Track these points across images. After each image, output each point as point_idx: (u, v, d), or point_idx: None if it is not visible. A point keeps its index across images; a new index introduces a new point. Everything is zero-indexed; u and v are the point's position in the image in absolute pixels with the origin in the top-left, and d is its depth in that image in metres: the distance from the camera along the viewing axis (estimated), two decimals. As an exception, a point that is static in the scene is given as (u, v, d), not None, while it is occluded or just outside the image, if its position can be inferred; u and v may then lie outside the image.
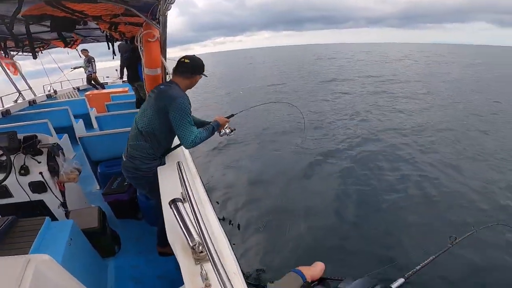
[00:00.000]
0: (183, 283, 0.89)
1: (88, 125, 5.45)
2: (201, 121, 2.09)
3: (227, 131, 2.07)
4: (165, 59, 2.68)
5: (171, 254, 1.06)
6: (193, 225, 0.97)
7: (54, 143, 2.28)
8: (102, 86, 8.47)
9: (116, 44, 3.96)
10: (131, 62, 4.42)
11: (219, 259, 0.81)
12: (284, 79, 18.70)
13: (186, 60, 1.77)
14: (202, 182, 1.69)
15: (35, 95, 6.08)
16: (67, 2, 1.73)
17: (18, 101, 5.31)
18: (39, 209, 2.25)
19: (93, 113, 5.65)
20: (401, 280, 0.93)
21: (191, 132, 1.64)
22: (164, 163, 1.85)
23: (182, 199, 1.09)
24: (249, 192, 4.36)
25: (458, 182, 4.49)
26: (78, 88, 8.69)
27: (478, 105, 9.87)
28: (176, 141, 1.93)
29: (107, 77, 10.46)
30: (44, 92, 6.77)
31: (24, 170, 2.13)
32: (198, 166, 2.14)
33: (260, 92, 14.09)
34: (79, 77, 8.89)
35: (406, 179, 4.59)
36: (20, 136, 2.17)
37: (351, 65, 27.68)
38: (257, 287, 2.43)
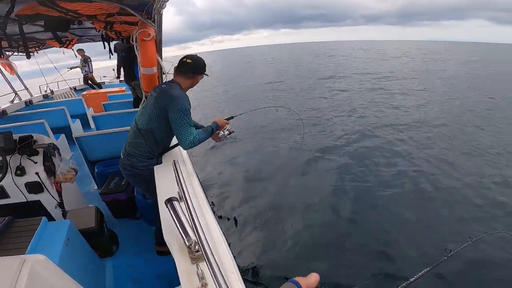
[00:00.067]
0: None
1: (85, 125, 5.43)
2: (198, 125, 2.09)
3: (226, 133, 2.07)
4: (161, 58, 2.67)
5: (169, 253, 1.07)
6: (189, 224, 0.97)
7: (50, 143, 2.27)
8: (99, 85, 8.42)
9: (112, 43, 3.94)
10: (127, 62, 4.41)
11: (215, 258, 0.82)
12: (282, 77, 18.71)
13: (188, 60, 1.77)
14: (199, 181, 1.69)
15: (31, 95, 6.04)
16: (60, 2, 1.72)
17: (15, 102, 5.28)
18: (36, 210, 2.24)
19: (90, 113, 5.62)
20: None
21: (189, 133, 1.65)
22: (161, 162, 1.85)
23: (178, 198, 1.09)
24: (246, 190, 4.37)
25: (454, 178, 4.52)
26: (75, 88, 8.64)
27: (474, 102, 9.96)
28: (174, 140, 1.93)
29: (104, 76, 10.40)
30: (41, 92, 6.73)
31: (20, 171, 2.12)
32: (195, 165, 2.14)
33: (258, 90, 14.09)
34: (76, 77, 8.84)
35: (403, 175, 4.62)
36: (16, 136, 2.16)
37: (349, 63, 27.73)
38: (255, 284, 2.45)
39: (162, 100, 1.68)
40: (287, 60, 38.07)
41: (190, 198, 1.11)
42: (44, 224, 1.56)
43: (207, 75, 1.92)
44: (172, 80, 1.86)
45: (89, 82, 8.21)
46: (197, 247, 0.93)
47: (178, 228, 0.97)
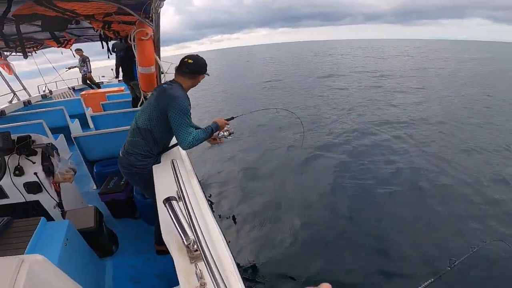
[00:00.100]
0: None
1: (84, 125, 5.42)
2: (196, 127, 2.09)
3: (225, 134, 2.04)
4: (159, 57, 2.67)
5: (169, 252, 1.07)
6: (187, 223, 0.97)
7: (48, 143, 2.27)
8: (98, 85, 8.40)
9: (111, 43, 3.93)
10: (125, 61, 4.39)
11: (213, 258, 0.82)
12: (281, 76, 18.71)
13: (189, 60, 1.77)
14: (198, 180, 1.69)
15: (30, 95, 6.04)
16: (57, 1, 1.71)
17: (13, 102, 5.27)
18: (35, 210, 2.24)
19: (89, 112, 5.61)
20: None
21: (188, 133, 1.65)
22: (160, 162, 1.85)
23: (177, 197, 1.09)
24: (245, 188, 4.38)
25: (452, 175, 4.53)
26: (73, 88, 8.63)
27: (472, 99, 9.98)
28: (174, 140, 1.93)
29: (103, 76, 10.37)
30: (39, 92, 6.72)
31: (19, 171, 2.12)
32: (194, 164, 2.14)
33: (257, 89, 14.09)
34: (74, 77, 8.82)
35: (402, 173, 4.63)
36: (14, 136, 2.16)
37: (347, 61, 27.74)
38: (255, 282, 2.45)
39: (162, 100, 1.68)
40: (286, 59, 38.05)
41: (188, 198, 1.10)
42: (43, 224, 1.56)
43: (208, 75, 1.92)
44: (173, 80, 1.86)
45: (88, 82, 8.20)
46: (195, 246, 0.93)
47: (176, 228, 0.97)
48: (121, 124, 3.07)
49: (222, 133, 2.03)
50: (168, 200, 1.04)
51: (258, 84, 15.33)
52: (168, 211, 1.01)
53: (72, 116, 4.91)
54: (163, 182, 1.50)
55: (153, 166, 1.74)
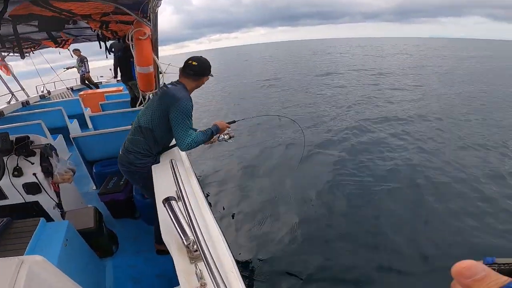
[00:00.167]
0: None
1: (83, 125, 5.41)
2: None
3: (226, 137, 2.04)
4: (157, 57, 2.66)
5: (169, 252, 1.07)
6: (187, 223, 0.97)
7: (47, 144, 2.27)
8: (96, 85, 8.39)
9: (109, 43, 3.91)
10: (123, 61, 4.38)
11: (213, 257, 0.82)
12: (280, 74, 18.68)
13: (194, 62, 1.78)
14: (197, 179, 1.69)
15: (28, 96, 6.01)
16: (54, 1, 1.71)
17: (11, 102, 5.25)
18: (34, 211, 2.24)
19: (87, 113, 5.60)
20: None
21: (188, 135, 1.66)
22: (159, 161, 1.85)
23: (176, 197, 1.09)
24: (245, 187, 4.37)
25: (450, 172, 4.54)
26: (72, 88, 8.61)
27: (469, 97, 10.01)
28: (174, 141, 1.93)
29: (101, 76, 10.35)
30: (38, 93, 6.70)
31: (18, 172, 2.12)
32: (193, 163, 2.13)
33: (256, 87, 14.07)
34: (73, 77, 8.79)
35: (400, 170, 4.63)
36: (13, 137, 2.15)
37: (346, 60, 27.71)
38: (254, 280, 2.45)
39: (165, 100, 1.70)
40: (285, 57, 37.98)
41: (188, 197, 1.11)
42: (43, 225, 1.56)
43: (212, 76, 1.93)
44: (177, 80, 1.87)
45: (86, 82, 8.18)
46: (195, 246, 0.93)
47: (176, 228, 0.97)
48: (120, 124, 3.07)
49: (222, 136, 2.03)
50: (167, 200, 1.04)
51: (257, 83, 15.32)
52: (168, 211, 1.01)
53: (70, 117, 4.90)
54: (162, 182, 1.50)
55: (152, 166, 1.75)
